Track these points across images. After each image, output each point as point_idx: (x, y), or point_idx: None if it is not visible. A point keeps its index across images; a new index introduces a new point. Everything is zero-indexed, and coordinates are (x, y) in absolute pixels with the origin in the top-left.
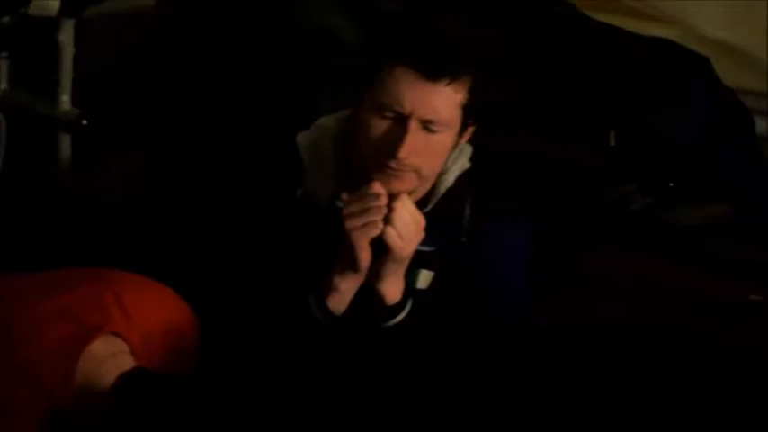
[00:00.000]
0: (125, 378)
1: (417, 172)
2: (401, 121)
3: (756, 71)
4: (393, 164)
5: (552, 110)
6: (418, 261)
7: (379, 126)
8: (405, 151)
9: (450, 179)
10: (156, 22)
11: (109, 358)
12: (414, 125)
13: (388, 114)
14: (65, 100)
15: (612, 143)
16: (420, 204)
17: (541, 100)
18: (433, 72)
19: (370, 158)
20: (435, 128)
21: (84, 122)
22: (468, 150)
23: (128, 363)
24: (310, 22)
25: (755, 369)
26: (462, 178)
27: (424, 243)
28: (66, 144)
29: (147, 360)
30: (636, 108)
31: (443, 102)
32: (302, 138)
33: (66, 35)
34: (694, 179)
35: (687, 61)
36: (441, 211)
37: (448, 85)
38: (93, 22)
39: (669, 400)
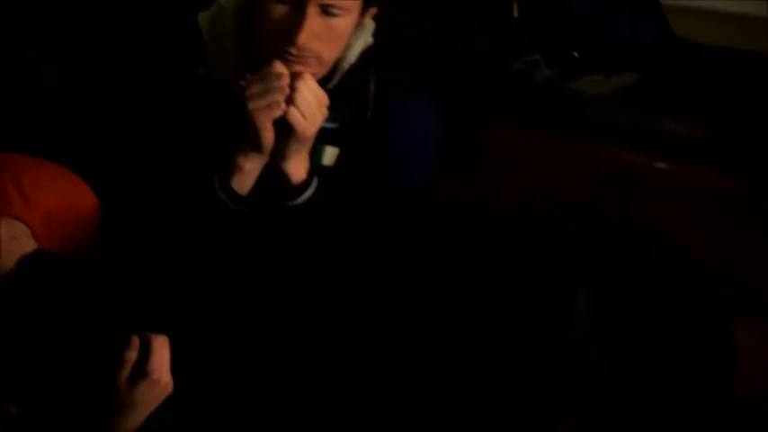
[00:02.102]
0: (26, 261)
1: (318, 57)
2: (299, 6)
3: None
4: (293, 50)
5: None
6: (323, 137)
7: (278, 11)
8: (304, 37)
9: (353, 55)
10: None
11: (10, 242)
12: (312, 10)
13: None
14: None
15: (516, 15)
16: (323, 81)
17: None
18: None
19: (269, 44)
20: (335, 11)
21: None
22: (370, 26)
23: (29, 246)
24: None
25: (660, 239)
26: (366, 54)
27: (328, 120)
28: None
29: (47, 242)
30: None
31: None
32: (203, 16)
33: None
34: (597, 49)
35: None
36: (345, 87)
37: None
38: None
39: (570, 274)
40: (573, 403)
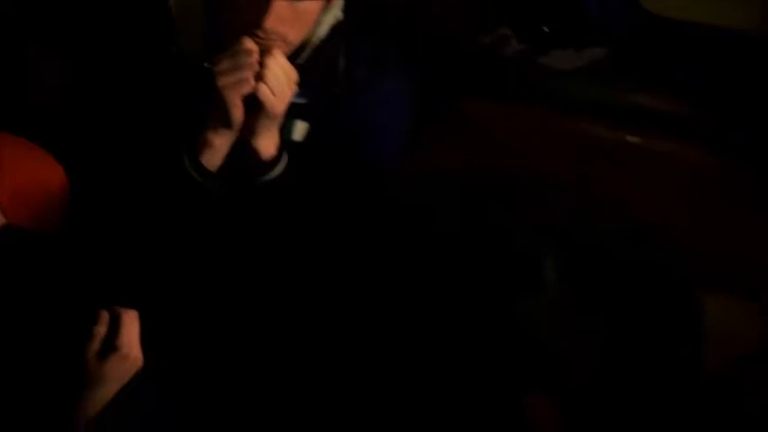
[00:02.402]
0: None
1: (284, 40)
2: None
3: None
4: (260, 33)
5: None
6: (293, 113)
7: None
8: (269, 22)
9: (322, 31)
10: None
11: None
12: None
13: None
14: None
15: None
16: (293, 57)
17: None
18: None
19: (236, 25)
20: None
21: None
22: (340, 1)
23: None
24: None
25: (629, 211)
26: (336, 29)
27: (298, 95)
28: None
29: (14, 216)
30: None
31: None
32: None
33: None
34: (567, 23)
35: None
36: (314, 62)
37: None
38: None
39: (538, 244)
40: (540, 372)
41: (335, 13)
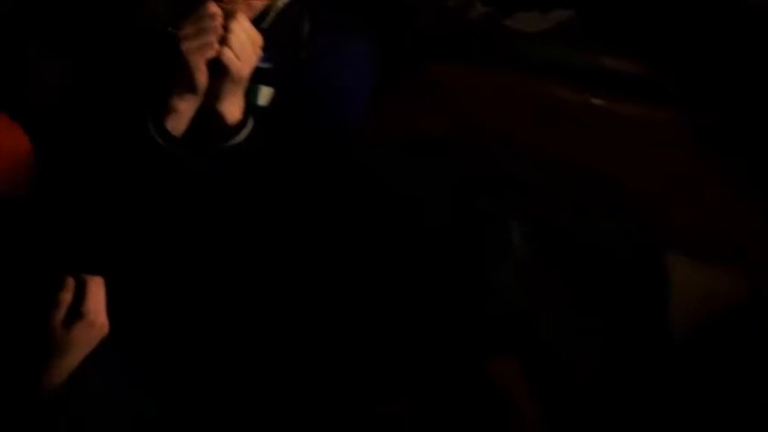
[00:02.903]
0: None
1: (248, 4)
2: None
3: None
4: None
5: None
6: (258, 78)
7: None
8: None
9: None
10: None
11: None
12: None
13: None
14: None
15: None
16: (257, 21)
17: None
18: None
19: None
20: None
21: None
22: None
23: None
24: None
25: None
26: None
27: (262, 60)
28: None
29: None
30: None
31: None
32: None
33: None
34: None
35: None
36: (279, 27)
37: None
38: None
39: (505, 208)
40: (507, 335)
41: None
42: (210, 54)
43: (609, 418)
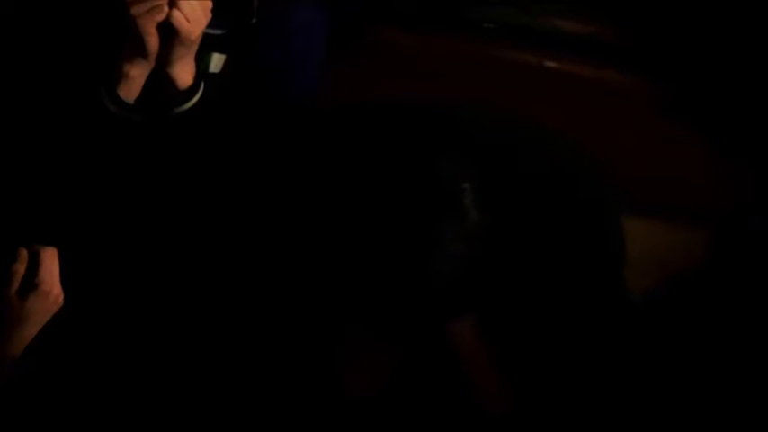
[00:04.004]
0: None
1: None
2: None
3: None
4: None
5: None
6: (209, 45)
7: None
8: None
9: None
10: None
11: None
12: None
13: None
14: None
15: None
16: None
17: None
18: None
19: None
20: None
21: None
22: None
23: None
24: None
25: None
26: None
27: (214, 26)
28: None
29: None
30: None
31: None
32: None
33: None
34: None
35: None
36: None
37: None
38: None
39: (456, 168)
40: (468, 298)
41: None
42: (160, 17)
43: (568, 380)
